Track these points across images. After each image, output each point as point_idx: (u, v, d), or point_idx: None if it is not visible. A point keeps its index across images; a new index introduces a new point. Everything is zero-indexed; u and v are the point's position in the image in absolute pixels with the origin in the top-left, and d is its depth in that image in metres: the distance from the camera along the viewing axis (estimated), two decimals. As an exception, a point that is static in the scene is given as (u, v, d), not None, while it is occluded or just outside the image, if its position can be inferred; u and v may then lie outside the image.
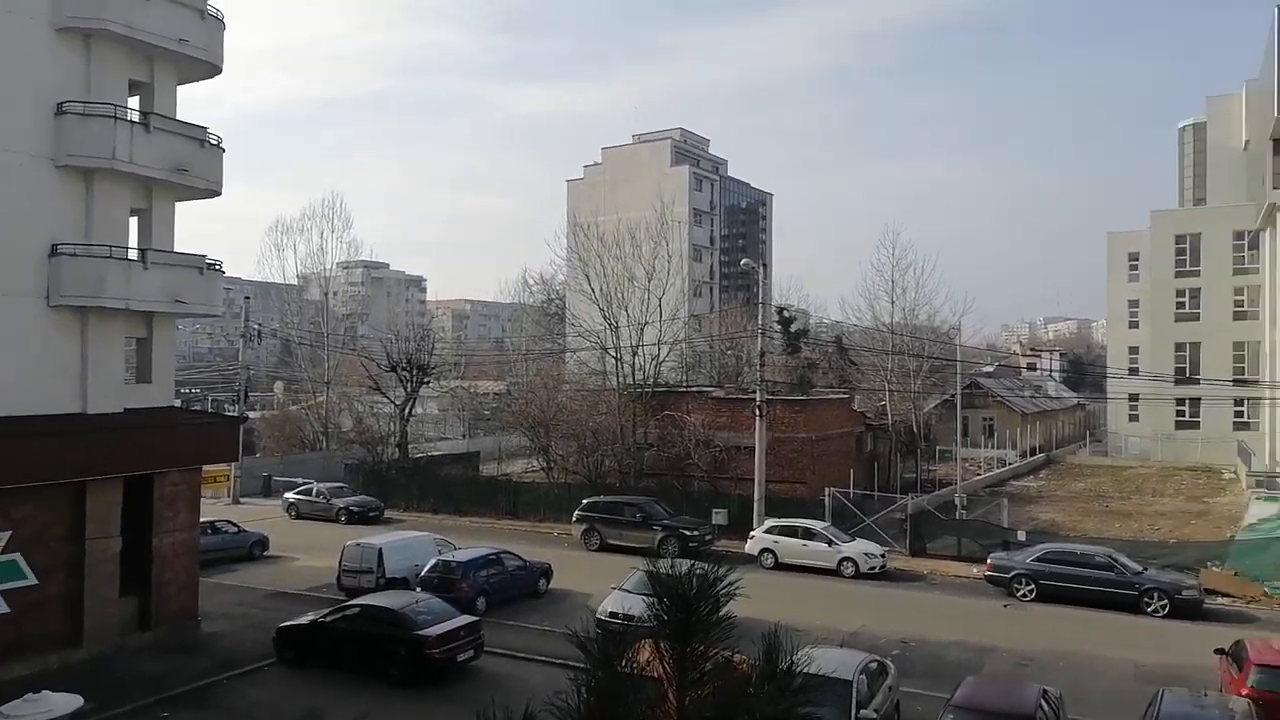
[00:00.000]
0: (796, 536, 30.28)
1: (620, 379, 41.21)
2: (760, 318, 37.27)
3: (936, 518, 34.56)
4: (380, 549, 26.05)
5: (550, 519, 37.58)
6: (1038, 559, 26.46)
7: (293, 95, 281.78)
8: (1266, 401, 46.82)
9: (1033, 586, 25.96)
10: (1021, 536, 30.40)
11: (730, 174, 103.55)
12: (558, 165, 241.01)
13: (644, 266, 43.39)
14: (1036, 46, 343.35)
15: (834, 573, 29.08)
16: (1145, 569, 25.82)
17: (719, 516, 34.26)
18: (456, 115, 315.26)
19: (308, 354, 61.54)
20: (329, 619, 20.07)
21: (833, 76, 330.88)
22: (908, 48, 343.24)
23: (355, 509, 39.03)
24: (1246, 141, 53.57)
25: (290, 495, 41.34)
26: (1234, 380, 55.70)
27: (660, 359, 42.67)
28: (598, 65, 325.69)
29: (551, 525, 36.95)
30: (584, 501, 34.30)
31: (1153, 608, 24.38)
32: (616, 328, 42.04)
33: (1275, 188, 41.74)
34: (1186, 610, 24.19)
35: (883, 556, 29.60)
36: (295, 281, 67.35)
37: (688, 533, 31.52)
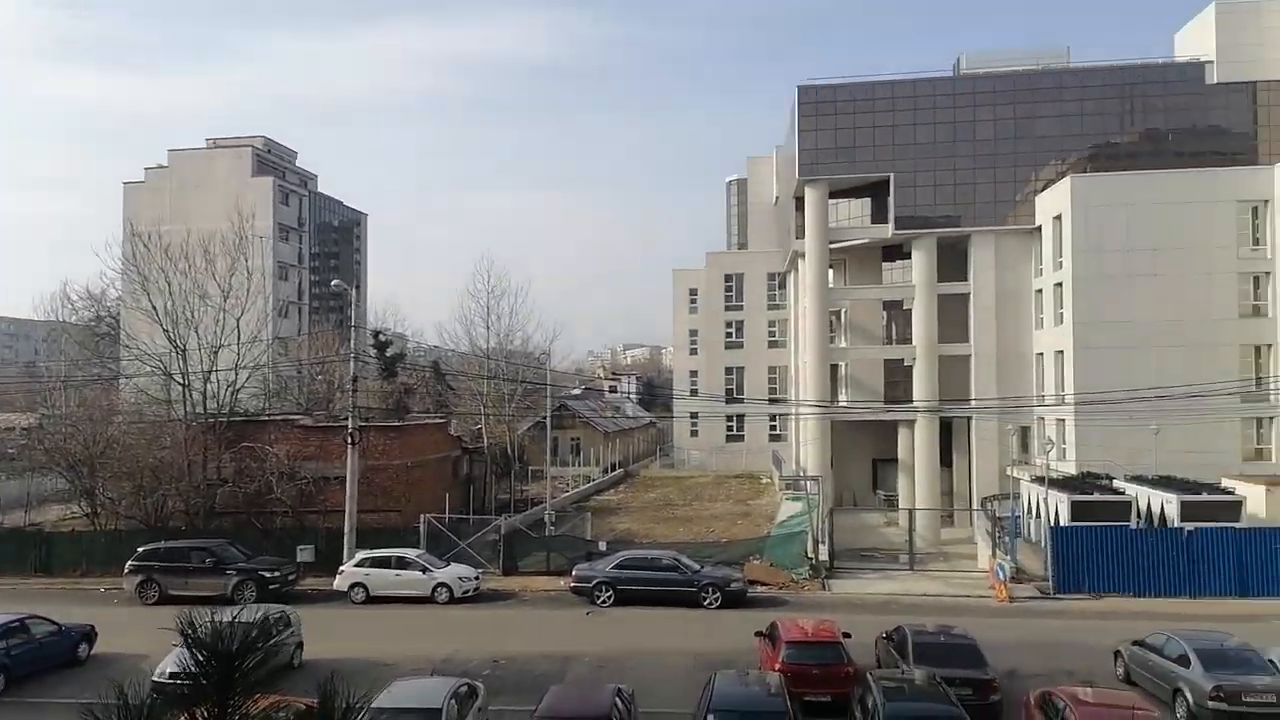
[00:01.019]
0: (390, 567, 29.51)
1: (189, 408, 36.96)
2: (353, 341, 35.88)
3: (528, 536, 35.90)
4: None
5: (96, 573, 32.51)
6: (615, 566, 28.67)
7: None
8: (793, 416, 55.83)
9: (611, 593, 28.05)
10: (602, 547, 32.74)
11: (322, 190, 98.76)
12: (112, 164, 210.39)
13: (219, 284, 39.46)
14: (623, 96, 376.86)
15: (429, 600, 28.82)
16: (703, 567, 29.23)
17: (305, 554, 32.20)
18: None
19: None
20: None
21: (433, 100, 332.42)
22: (507, 80, 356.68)
23: None
24: (777, 197, 63.80)
25: None
26: (769, 399, 65.71)
27: (238, 385, 39.02)
28: (169, 56, 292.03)
29: (98, 580, 31.96)
30: (139, 550, 30.11)
31: (708, 600, 27.67)
32: (184, 351, 37.69)
33: (798, 238, 50.15)
34: (735, 600, 27.81)
35: (477, 579, 29.97)
36: None
37: (268, 574, 29.15)
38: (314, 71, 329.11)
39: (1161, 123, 44.48)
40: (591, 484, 57.37)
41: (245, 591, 28.46)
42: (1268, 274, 39.76)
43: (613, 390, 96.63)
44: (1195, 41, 45.71)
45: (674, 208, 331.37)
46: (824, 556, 32.85)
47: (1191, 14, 46.86)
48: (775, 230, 65.21)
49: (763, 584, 30.57)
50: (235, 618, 4.51)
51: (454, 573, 29.69)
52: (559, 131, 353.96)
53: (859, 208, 50.65)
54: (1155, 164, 42.94)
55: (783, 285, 65.98)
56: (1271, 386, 38.90)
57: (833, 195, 48.58)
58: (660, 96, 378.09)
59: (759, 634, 20.99)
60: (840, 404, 50.07)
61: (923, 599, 29.20)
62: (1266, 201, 39.84)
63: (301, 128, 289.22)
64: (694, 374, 72.16)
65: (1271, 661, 18.23)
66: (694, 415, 70.26)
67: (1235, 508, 30.26)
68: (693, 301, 73.62)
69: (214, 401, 37.27)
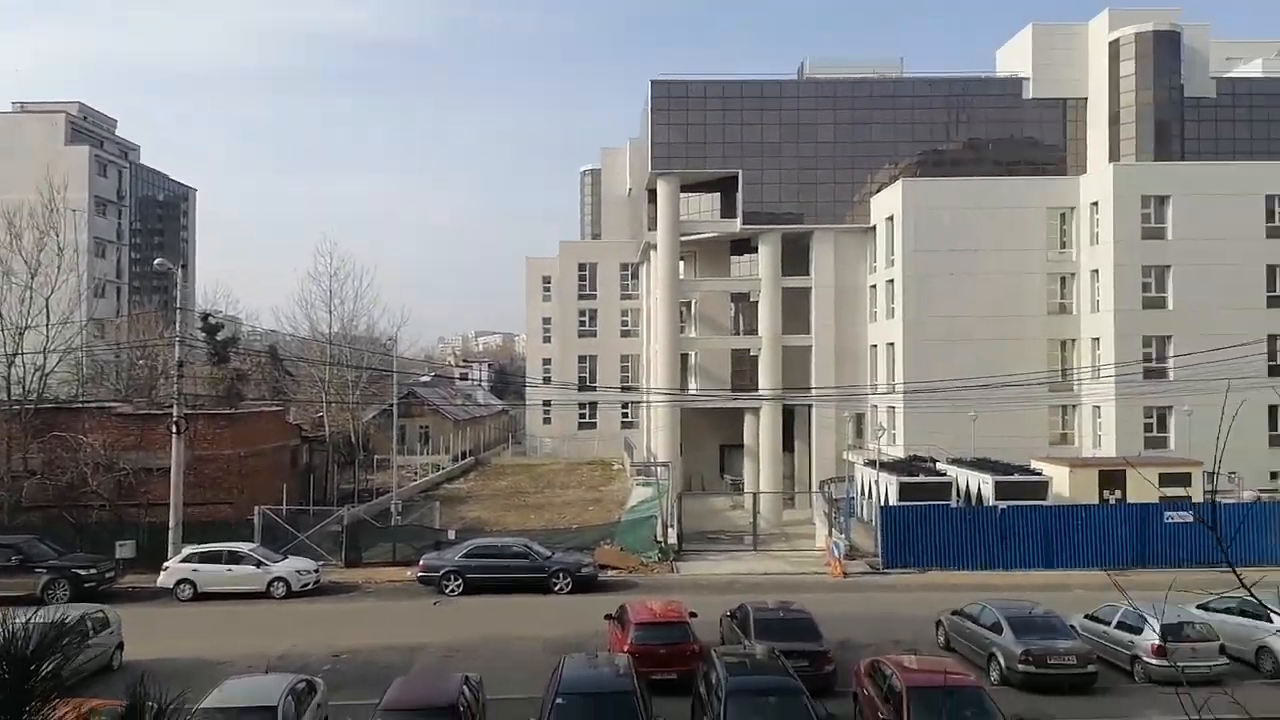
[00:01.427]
0: (221, 562, 27.96)
1: (-11, 394, 33.59)
2: (179, 324, 33.62)
3: (373, 526, 34.83)
4: None
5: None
6: (464, 555, 28.27)
7: None
8: (645, 404, 56.72)
9: (460, 581, 27.65)
10: (451, 535, 32.20)
11: (145, 162, 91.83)
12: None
13: (25, 260, 36.02)
14: (481, 80, 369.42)
15: (264, 595, 27.50)
16: (553, 553, 29.26)
17: (124, 550, 30.01)
18: None
19: None
20: None
21: (282, 77, 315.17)
22: (365, 60, 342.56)
23: None
24: (630, 189, 64.43)
25: None
26: (621, 387, 66.42)
27: (47, 370, 35.76)
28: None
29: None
30: (-68, 549, 27.19)
31: (559, 586, 27.74)
32: (-17, 332, 34.20)
33: (650, 229, 50.89)
34: (585, 584, 28.00)
35: (316, 572, 28.85)
36: None
37: (82, 572, 26.99)
38: (146, 38, 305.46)
39: (983, 132, 47.87)
40: (441, 472, 56.25)
41: (57, 591, 26.25)
42: (1073, 275, 43.57)
43: (464, 378, 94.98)
44: (1015, 58, 49.37)
45: (529, 195, 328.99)
46: (673, 540, 33.58)
47: (1013, 32, 50.62)
48: (629, 221, 65.87)
49: (614, 568, 30.92)
50: (30, 619, 4.20)
51: (291, 566, 28.46)
52: (412, 113, 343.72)
53: (709, 202, 51.93)
54: (978, 170, 46.20)
55: (635, 275, 66.75)
56: (1074, 377, 42.73)
57: (684, 189, 49.53)
58: (517, 83, 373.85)
59: (609, 617, 21.24)
60: (690, 392, 51.25)
61: (764, 577, 30.36)
62: (1073, 209, 43.62)
63: (132, 97, 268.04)
64: (547, 362, 71.97)
65: (1072, 627, 20.10)
66: (547, 403, 70.13)
67: (1043, 487, 33.07)
68: (546, 289, 73.33)
69: (19, 387, 34.06)
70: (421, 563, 28.63)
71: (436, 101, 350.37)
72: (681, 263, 52.47)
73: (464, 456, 63.96)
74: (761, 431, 47.79)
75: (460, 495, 49.21)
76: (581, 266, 70.64)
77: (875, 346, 47.18)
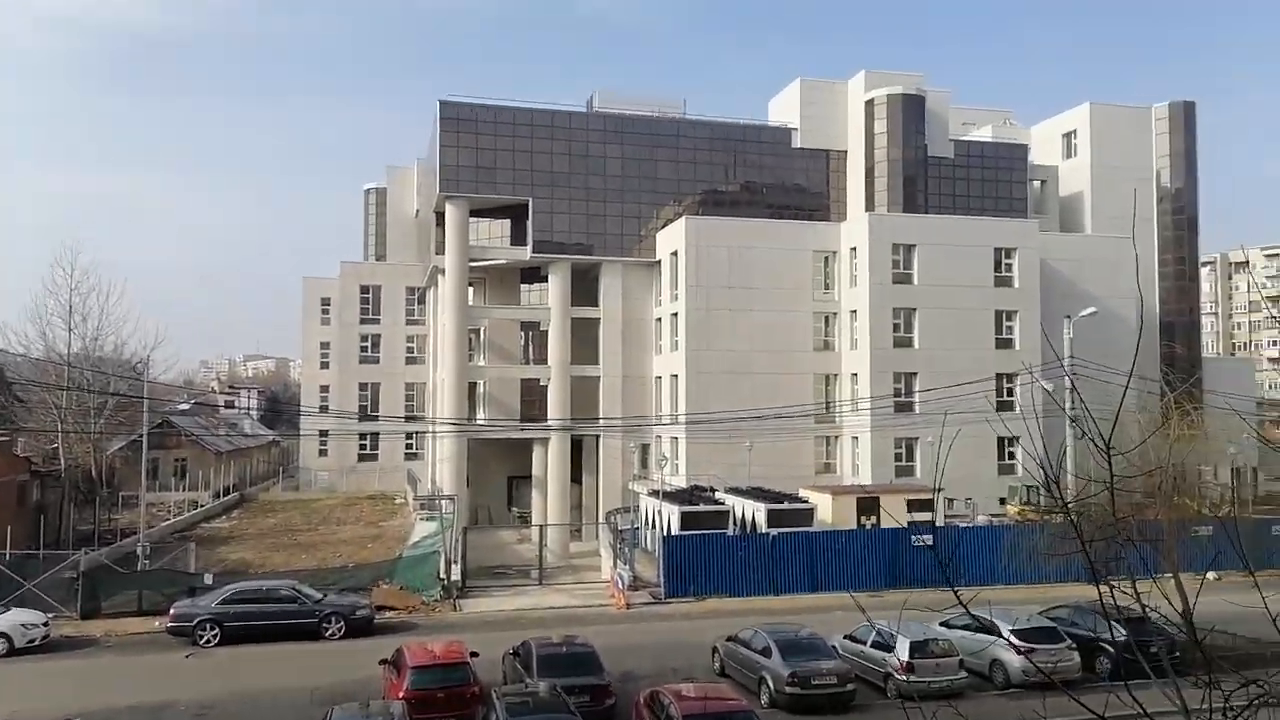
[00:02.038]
0: (-79, 621, 24.08)
1: None
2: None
3: (116, 572, 31.34)
4: None
5: None
6: (223, 601, 26.04)
7: None
8: (430, 434, 55.04)
9: (217, 630, 25.42)
10: (208, 580, 29.54)
11: None
12: None
13: None
14: (261, 81, 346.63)
15: (-23, 657, 23.96)
16: (325, 595, 27.61)
17: None
18: None
19: None
20: None
21: (22, 62, 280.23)
22: (144, 51, 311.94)
23: None
24: (418, 210, 62.82)
25: None
26: (406, 417, 64.25)
27: None
28: None
29: None
30: None
31: (330, 631, 26.17)
32: None
33: (438, 253, 49.76)
34: (361, 628, 26.59)
35: (46, 625, 25.57)
36: None
37: None
38: None
39: (758, 176, 50.97)
40: (199, 510, 51.69)
41: None
42: (835, 314, 47.14)
43: (229, 405, 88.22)
44: (785, 109, 53.09)
45: (305, 212, 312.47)
46: (457, 576, 32.68)
47: (784, 83, 54.36)
48: (416, 244, 64.14)
49: (393, 609, 29.64)
50: None
51: (14, 619, 25.06)
52: (175, 112, 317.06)
53: (500, 228, 51.69)
54: (754, 212, 49.09)
55: (422, 300, 65.02)
56: (836, 410, 46.10)
57: (474, 214, 49.00)
58: (300, 93, 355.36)
59: (384, 661, 20.29)
60: (478, 422, 50.41)
61: (550, 612, 30.20)
62: (835, 253, 47.27)
63: None
64: (325, 389, 68.35)
65: (834, 647, 21.48)
66: (324, 433, 66.37)
67: (809, 514, 35.26)
68: (325, 312, 69.83)
69: None
70: (172, 611, 26.03)
71: (203, 103, 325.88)
72: (471, 289, 51.75)
73: (227, 492, 59.23)
74: (550, 462, 47.79)
75: (221, 535, 45.42)
76: (364, 289, 67.92)
77: (660, 378, 48.63)
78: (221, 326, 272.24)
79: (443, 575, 32.28)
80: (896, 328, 45.03)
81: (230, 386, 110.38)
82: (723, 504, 36.48)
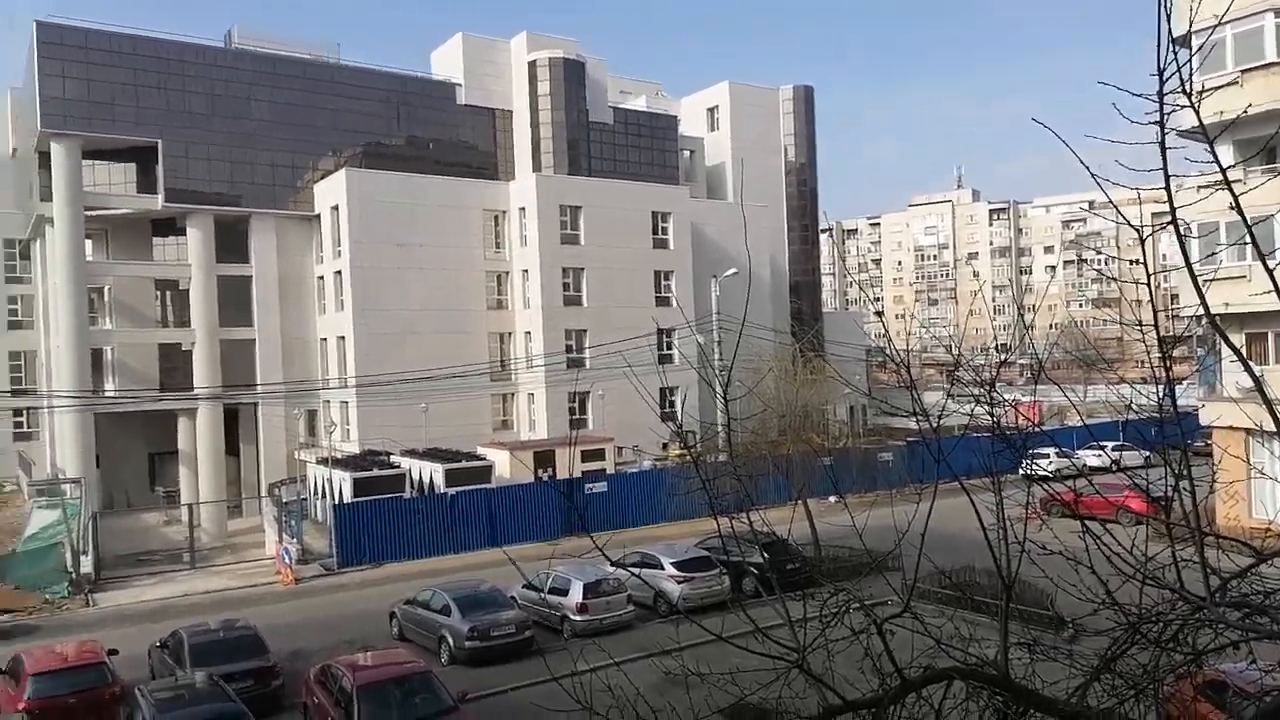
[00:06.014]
0: None
1: None
2: None
3: None
4: None
5: None
6: None
7: None
8: (46, 410, 47.38)
9: None
10: None
11: None
12: None
13: None
14: None
15: None
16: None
17: None
18: None
19: None
20: None
21: None
22: None
23: None
24: (15, 149, 53.06)
25: None
26: (12, 391, 54.68)
27: None
28: None
29: None
30: None
31: (-80, 651, 21.88)
32: None
33: (44, 200, 42.49)
34: (-39, 642, 22.56)
35: None
36: None
37: None
38: None
39: (423, 131, 49.46)
40: None
41: None
42: (507, 274, 47.54)
43: None
44: (448, 64, 51.79)
45: None
46: (88, 568, 28.85)
47: (446, 36, 52.97)
48: (13, 189, 54.15)
49: (7, 612, 25.49)
50: None
51: None
52: None
53: (124, 173, 45.22)
54: (420, 168, 47.54)
55: (26, 255, 55.35)
56: (512, 368, 46.76)
57: (89, 155, 42.39)
58: None
59: (-2, 674, 17.44)
60: (106, 394, 44.18)
61: (206, 597, 27.75)
62: (505, 212, 47.53)
63: None
64: (-108, 363, 55.98)
65: (513, 597, 22.00)
66: (-107, 416, 54.48)
67: (487, 471, 35.62)
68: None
69: None
70: None
71: None
72: (90, 242, 44.99)
73: None
74: (200, 435, 43.35)
75: None
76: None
77: (326, 340, 45.96)
78: None
79: (70, 569, 28.36)
80: (566, 286, 46.44)
81: None
82: (398, 467, 35.66)
